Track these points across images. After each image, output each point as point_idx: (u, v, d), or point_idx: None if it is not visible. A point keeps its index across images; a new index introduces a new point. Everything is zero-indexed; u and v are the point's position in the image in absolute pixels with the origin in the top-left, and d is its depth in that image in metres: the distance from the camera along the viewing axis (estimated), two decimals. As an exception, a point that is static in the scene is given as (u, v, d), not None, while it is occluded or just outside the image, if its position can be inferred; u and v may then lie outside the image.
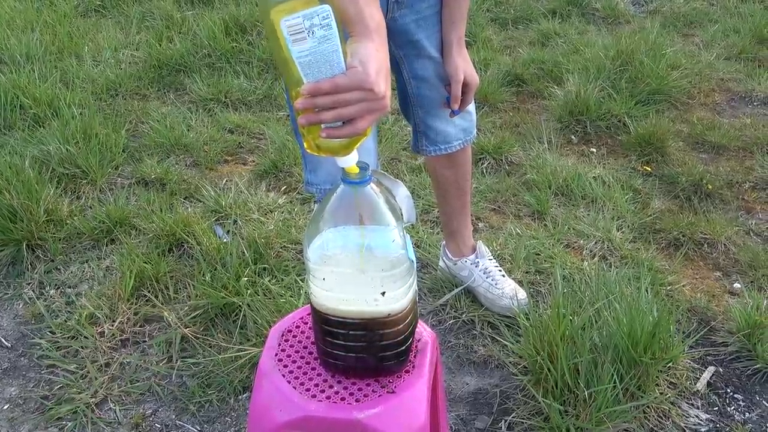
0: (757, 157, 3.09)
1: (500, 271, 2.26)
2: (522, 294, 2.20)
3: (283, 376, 1.33)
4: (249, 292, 2.21)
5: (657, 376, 1.96)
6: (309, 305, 1.32)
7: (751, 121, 3.40)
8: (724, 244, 2.55)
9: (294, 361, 1.36)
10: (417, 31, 1.82)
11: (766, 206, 2.80)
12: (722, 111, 3.53)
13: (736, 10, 4.67)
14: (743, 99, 3.64)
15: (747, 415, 1.93)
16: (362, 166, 1.19)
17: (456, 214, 2.23)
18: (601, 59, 3.69)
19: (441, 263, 2.37)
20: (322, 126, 1.09)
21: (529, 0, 4.78)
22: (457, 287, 2.29)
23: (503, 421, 1.90)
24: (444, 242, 2.34)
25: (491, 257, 2.30)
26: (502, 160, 3.04)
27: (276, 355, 1.38)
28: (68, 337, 2.17)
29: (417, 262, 2.38)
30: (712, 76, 3.82)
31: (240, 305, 2.17)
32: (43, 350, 2.13)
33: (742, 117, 3.45)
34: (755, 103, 3.59)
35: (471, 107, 1.97)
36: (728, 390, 2.00)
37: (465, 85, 1.83)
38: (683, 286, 2.35)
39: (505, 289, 2.20)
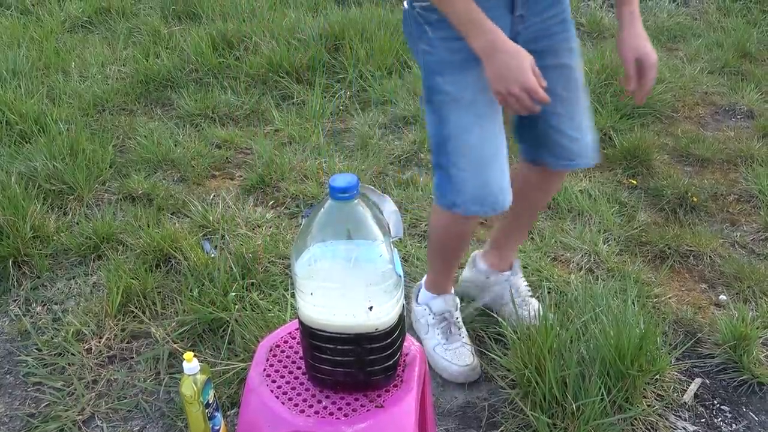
0: (741, 169, 3.12)
1: (529, 291, 2.21)
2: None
3: (272, 391, 1.33)
4: (237, 307, 2.21)
5: (644, 389, 1.97)
6: (297, 320, 1.33)
7: (735, 134, 3.43)
8: (710, 257, 2.57)
9: (282, 377, 1.36)
10: (543, 37, 1.75)
11: (751, 218, 2.82)
12: (706, 124, 3.56)
13: (719, 24, 4.73)
14: (727, 112, 3.67)
15: (734, 426, 1.94)
16: (350, 182, 1.20)
17: (515, 232, 2.17)
18: (586, 73, 3.70)
19: (467, 273, 2.27)
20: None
21: (514, 15, 4.82)
22: (474, 299, 2.23)
23: (492, 434, 1.90)
24: (477, 253, 2.26)
25: (522, 275, 2.24)
26: (489, 173, 3.05)
27: (264, 370, 1.38)
28: (55, 354, 2.16)
29: (405, 277, 2.38)
30: (696, 89, 3.85)
31: (228, 320, 2.17)
32: (30, 367, 2.12)
33: (726, 130, 3.48)
34: (739, 116, 3.63)
35: (590, 128, 1.88)
36: (715, 402, 2.01)
37: (642, 65, 1.71)
38: (669, 298, 2.36)
39: (531, 311, 2.14)
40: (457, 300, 2.16)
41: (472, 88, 1.70)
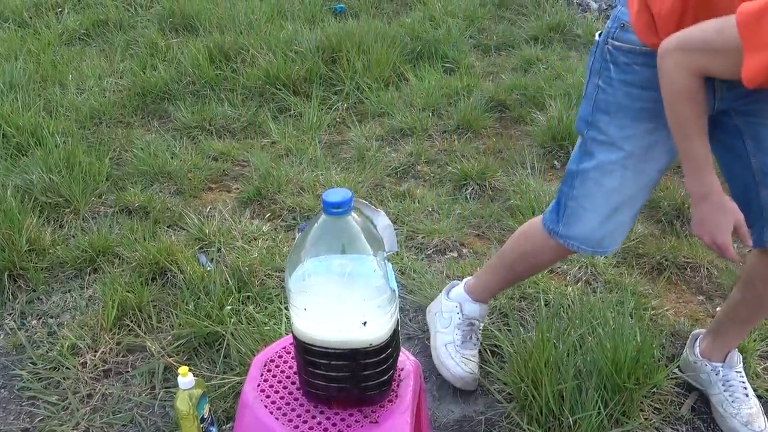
0: (737, 181, 3.12)
1: (745, 388, 1.97)
2: (760, 425, 1.91)
3: (266, 406, 1.32)
4: (232, 320, 2.20)
5: (641, 402, 1.96)
6: (291, 334, 1.32)
7: (732, 145, 3.43)
8: (707, 269, 2.57)
9: (276, 392, 1.36)
10: (755, 100, 1.60)
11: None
12: (703, 135, 3.56)
13: (715, 35, 4.74)
14: (723, 123, 3.68)
15: (731, 439, 1.94)
16: (344, 197, 1.20)
17: (735, 323, 1.96)
18: (582, 85, 3.72)
19: (685, 355, 2.10)
20: None
21: (511, 27, 4.83)
22: (691, 389, 2.08)
23: (488, 448, 1.90)
24: (698, 334, 2.09)
25: (740, 369, 2.00)
26: (485, 185, 3.05)
27: (258, 385, 1.37)
28: (50, 368, 2.15)
29: (401, 289, 2.38)
30: (693, 101, 3.85)
31: (223, 334, 2.16)
32: (24, 382, 2.11)
33: (723, 141, 3.49)
34: (735, 128, 3.63)
35: None
36: (712, 414, 2.01)
37: None
38: (666, 310, 2.36)
39: (741, 411, 1.92)
40: (487, 309, 2.15)
41: (635, 141, 1.67)
